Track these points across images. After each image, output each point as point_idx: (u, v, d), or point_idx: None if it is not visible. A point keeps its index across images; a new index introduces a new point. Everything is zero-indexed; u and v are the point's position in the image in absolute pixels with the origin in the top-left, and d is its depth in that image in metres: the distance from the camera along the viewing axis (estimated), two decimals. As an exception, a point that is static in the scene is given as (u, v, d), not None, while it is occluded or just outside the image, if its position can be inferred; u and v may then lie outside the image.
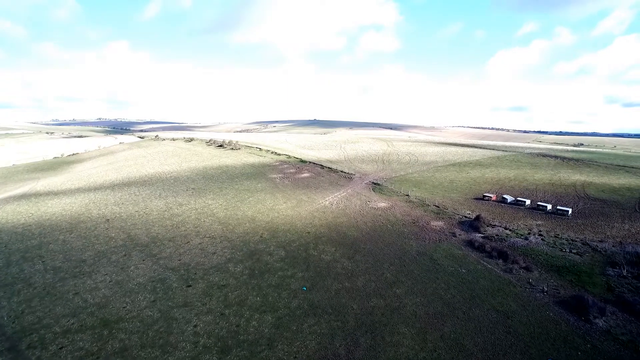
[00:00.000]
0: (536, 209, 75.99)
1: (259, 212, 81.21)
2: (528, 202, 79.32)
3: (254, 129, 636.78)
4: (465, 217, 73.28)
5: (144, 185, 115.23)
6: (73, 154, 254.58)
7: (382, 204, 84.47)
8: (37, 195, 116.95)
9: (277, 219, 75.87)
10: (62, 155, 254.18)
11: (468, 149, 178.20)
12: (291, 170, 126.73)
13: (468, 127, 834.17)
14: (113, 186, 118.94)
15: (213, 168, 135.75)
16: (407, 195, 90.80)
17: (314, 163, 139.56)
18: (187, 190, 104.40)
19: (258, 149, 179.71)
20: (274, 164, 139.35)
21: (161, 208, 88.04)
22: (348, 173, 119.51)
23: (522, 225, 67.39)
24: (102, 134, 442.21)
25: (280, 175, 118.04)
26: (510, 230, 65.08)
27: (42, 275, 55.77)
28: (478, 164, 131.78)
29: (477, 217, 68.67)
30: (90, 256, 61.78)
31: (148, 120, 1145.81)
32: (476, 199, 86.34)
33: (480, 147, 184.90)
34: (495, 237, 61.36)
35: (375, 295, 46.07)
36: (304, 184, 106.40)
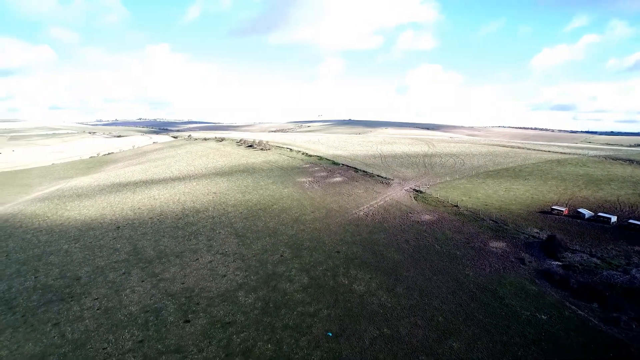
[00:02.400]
0: (627, 228, 60.61)
1: (282, 223, 71.18)
2: (614, 218, 63.83)
3: (288, 129, 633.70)
4: (533, 236, 59.43)
5: (166, 188, 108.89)
6: (108, 154, 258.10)
7: (427, 217, 71.96)
8: (60, 196, 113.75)
9: (302, 233, 65.45)
10: (98, 154, 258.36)
11: (520, 151, 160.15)
12: (322, 174, 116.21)
13: (509, 127, 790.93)
14: (135, 188, 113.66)
15: (239, 170, 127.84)
16: (456, 206, 77.60)
17: (348, 166, 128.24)
18: (207, 194, 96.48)
19: (288, 150, 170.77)
20: (303, 166, 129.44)
21: (176, 215, 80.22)
22: (385, 178, 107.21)
23: (614, 252, 52.75)
24: (140, 134, 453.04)
25: (309, 179, 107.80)
26: (599, 258, 50.75)
27: (28, 295, 48.48)
28: (536, 168, 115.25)
29: (551, 239, 54.78)
30: (87, 273, 54.12)
31: (186, 120, 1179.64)
32: (542, 212, 71.71)
33: (534, 149, 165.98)
34: (580, 267, 47.46)
35: (424, 350, 34.35)
36: (336, 190, 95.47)
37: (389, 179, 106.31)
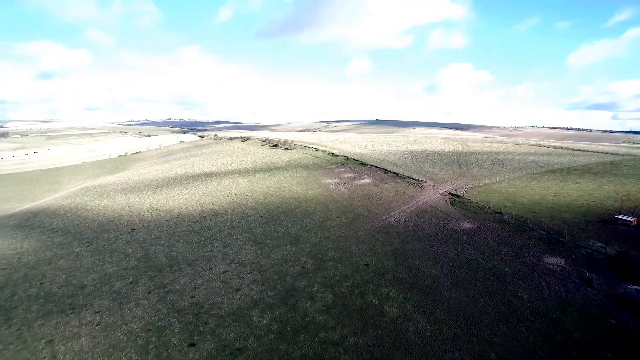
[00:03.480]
0: None
1: (305, 229, 65.47)
2: (696, 232, 54.31)
3: (315, 129, 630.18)
4: (598, 252, 50.85)
5: (186, 188, 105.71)
6: (136, 153, 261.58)
7: (466, 225, 64.35)
8: (84, 195, 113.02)
9: (327, 241, 59.46)
10: (126, 153, 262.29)
11: (563, 151, 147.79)
12: (349, 175, 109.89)
13: (542, 127, 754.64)
14: (156, 187, 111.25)
15: (262, 171, 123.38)
16: (500, 212, 69.41)
17: (376, 167, 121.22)
18: (227, 195, 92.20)
19: (314, 149, 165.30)
20: (329, 166, 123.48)
21: (194, 217, 76.14)
22: (418, 180, 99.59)
23: None
24: (168, 133, 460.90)
25: (336, 181, 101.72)
26: (687, 281, 41.96)
27: (29, 305, 44.98)
28: (587, 170, 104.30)
29: (624, 256, 46.29)
30: (94, 280, 50.30)
31: (214, 120, 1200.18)
32: (603, 221, 62.47)
33: (580, 150, 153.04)
34: (665, 293, 39.02)
35: (476, 399, 27.59)
36: (364, 192, 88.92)
37: (421, 181, 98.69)
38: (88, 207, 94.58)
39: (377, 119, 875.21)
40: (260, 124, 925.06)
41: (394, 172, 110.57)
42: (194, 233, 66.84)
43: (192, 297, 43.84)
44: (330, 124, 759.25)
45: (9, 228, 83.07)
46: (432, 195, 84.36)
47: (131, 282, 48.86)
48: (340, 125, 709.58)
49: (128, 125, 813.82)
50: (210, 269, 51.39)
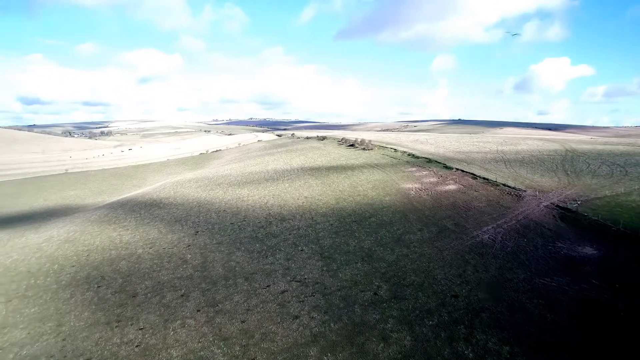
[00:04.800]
0: None
1: (380, 243, 56.95)
2: None
3: (394, 129, 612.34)
4: None
5: (257, 188, 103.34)
6: (216, 151, 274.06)
7: (588, 251, 50.41)
8: (161, 191, 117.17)
9: (406, 260, 50.35)
10: (207, 151, 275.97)
11: None
12: (431, 180, 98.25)
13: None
14: (228, 187, 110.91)
15: (336, 172, 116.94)
16: (636, 235, 53.70)
17: (463, 171, 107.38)
18: (297, 198, 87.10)
19: (393, 150, 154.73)
20: (409, 169, 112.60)
21: (259, 222, 71.98)
22: (514, 188, 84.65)
23: None
24: (248, 132, 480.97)
25: (416, 186, 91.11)
26: None
27: (81, 311, 43.70)
28: None
29: None
30: (146, 289, 47.67)
31: (293, 120, 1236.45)
32: None
33: None
34: None
35: None
36: (449, 201, 77.37)
37: (519, 189, 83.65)
38: (161, 205, 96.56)
39: (459, 119, 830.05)
40: (339, 124, 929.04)
41: (484, 178, 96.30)
42: (256, 240, 62.22)
43: (242, 322, 38.23)
44: (410, 124, 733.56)
45: (89, 223, 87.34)
46: (535, 207, 69.98)
47: (182, 295, 45.08)
48: (421, 125, 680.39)
49: (212, 124, 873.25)
50: (269, 286, 45.63)
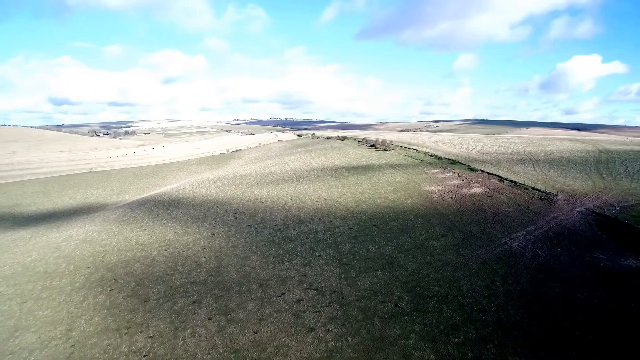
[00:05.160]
0: None
1: (402, 249, 54.18)
2: None
3: (416, 129, 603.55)
4: None
5: (275, 189, 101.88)
6: (236, 150, 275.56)
7: (632, 263, 46.31)
8: (180, 191, 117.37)
9: (429, 269, 47.48)
10: (227, 151, 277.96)
11: None
12: (455, 182, 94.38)
13: None
14: (246, 187, 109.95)
15: (357, 173, 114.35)
16: (694, 247, 49.11)
17: (489, 173, 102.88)
18: (316, 200, 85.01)
19: (415, 151, 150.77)
20: (432, 171, 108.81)
21: (276, 224, 70.24)
22: (544, 192, 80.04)
23: None
24: (269, 132, 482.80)
25: (439, 189, 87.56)
26: None
27: (92, 315, 42.73)
28: None
29: None
30: (159, 294, 46.54)
31: (314, 119, 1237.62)
32: None
33: None
34: None
35: None
36: (475, 205, 73.69)
37: (550, 193, 79.03)
38: (179, 205, 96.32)
39: (482, 119, 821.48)
40: (360, 124, 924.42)
41: (511, 181, 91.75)
42: (273, 244, 60.46)
43: (255, 333, 36.38)
44: (432, 124, 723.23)
45: (108, 222, 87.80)
46: (568, 213, 65.66)
47: (194, 302, 43.65)
48: (443, 125, 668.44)
49: (234, 124, 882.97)
50: (284, 294, 43.67)
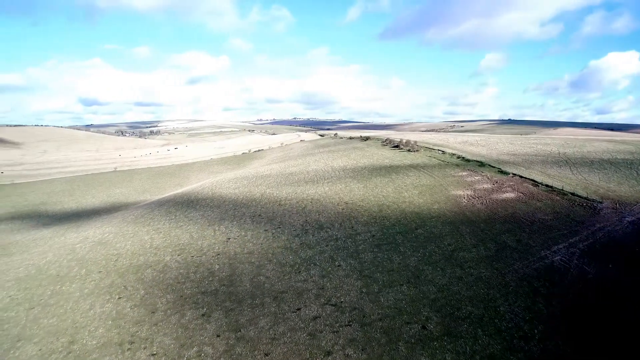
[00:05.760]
0: None
1: (429, 260, 49.76)
2: None
3: (440, 129, 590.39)
4: None
5: (295, 192, 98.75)
6: (258, 150, 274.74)
7: None
8: (200, 192, 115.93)
9: (460, 284, 42.97)
10: (249, 151, 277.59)
11: None
12: (485, 186, 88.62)
13: None
14: (265, 189, 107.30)
15: (380, 175, 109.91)
16: None
17: (521, 176, 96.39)
18: (337, 204, 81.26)
19: (440, 152, 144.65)
20: (459, 173, 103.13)
21: (295, 230, 66.91)
22: (586, 198, 73.43)
23: None
24: (291, 132, 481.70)
25: (468, 193, 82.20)
26: None
27: (96, 327, 40.20)
28: None
29: None
30: (167, 304, 43.92)
31: (337, 120, 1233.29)
32: None
33: None
34: None
35: None
36: (508, 212, 68.20)
37: (593, 200, 72.44)
38: (197, 207, 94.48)
39: (509, 119, 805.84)
40: (383, 124, 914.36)
41: (547, 186, 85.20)
42: (290, 251, 57.08)
43: (266, 355, 33.02)
44: (457, 124, 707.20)
45: (126, 223, 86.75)
46: (616, 224, 59.42)
47: (203, 315, 40.69)
48: (468, 126, 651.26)
49: (256, 124, 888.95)
50: (299, 309, 40.14)
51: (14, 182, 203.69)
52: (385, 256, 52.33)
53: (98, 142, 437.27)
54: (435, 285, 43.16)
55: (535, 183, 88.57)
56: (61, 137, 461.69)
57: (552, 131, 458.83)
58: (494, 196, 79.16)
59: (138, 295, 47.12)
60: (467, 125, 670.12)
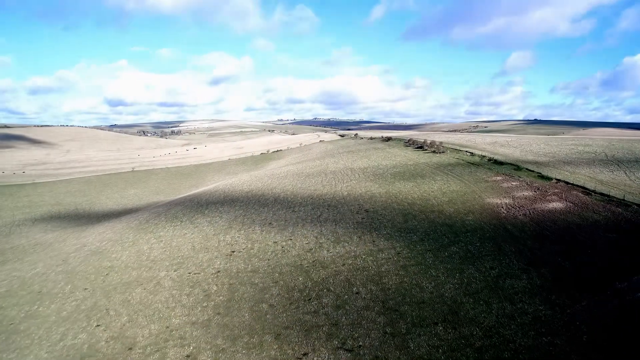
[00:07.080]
0: None
1: (468, 289, 40.47)
2: None
3: (463, 130, 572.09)
4: None
5: (312, 197, 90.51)
6: (276, 151, 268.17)
7: None
8: (213, 194, 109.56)
9: (513, 327, 33.63)
10: (268, 151, 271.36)
11: None
12: (526, 193, 78.02)
13: None
14: (280, 192, 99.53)
15: (403, 178, 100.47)
16: None
17: (567, 182, 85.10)
18: (356, 213, 72.53)
19: (469, 154, 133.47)
20: (493, 178, 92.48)
21: (308, 243, 58.63)
22: (660, 210, 62.22)
23: None
24: (311, 132, 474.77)
25: (507, 202, 72.00)
26: None
27: (72, 354, 32.79)
28: None
29: None
30: (150, 336, 36.35)
31: (358, 120, 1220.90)
32: None
33: None
34: None
35: None
36: (558, 226, 57.94)
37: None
38: (206, 212, 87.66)
39: (535, 119, 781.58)
40: (404, 124, 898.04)
41: (603, 194, 73.83)
42: (300, 271, 48.82)
43: None
44: (480, 124, 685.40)
45: (128, 229, 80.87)
46: None
47: (188, 357, 32.79)
48: (492, 126, 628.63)
49: (277, 124, 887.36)
50: (305, 355, 31.74)
51: (35, 181, 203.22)
52: (414, 281, 43.32)
53: (120, 142, 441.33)
54: (480, 327, 33.91)
55: (586, 191, 77.33)
56: (85, 137, 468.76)
57: (582, 131, 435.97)
58: (538, 206, 68.69)
59: (119, 324, 39.81)
60: (491, 126, 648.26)
